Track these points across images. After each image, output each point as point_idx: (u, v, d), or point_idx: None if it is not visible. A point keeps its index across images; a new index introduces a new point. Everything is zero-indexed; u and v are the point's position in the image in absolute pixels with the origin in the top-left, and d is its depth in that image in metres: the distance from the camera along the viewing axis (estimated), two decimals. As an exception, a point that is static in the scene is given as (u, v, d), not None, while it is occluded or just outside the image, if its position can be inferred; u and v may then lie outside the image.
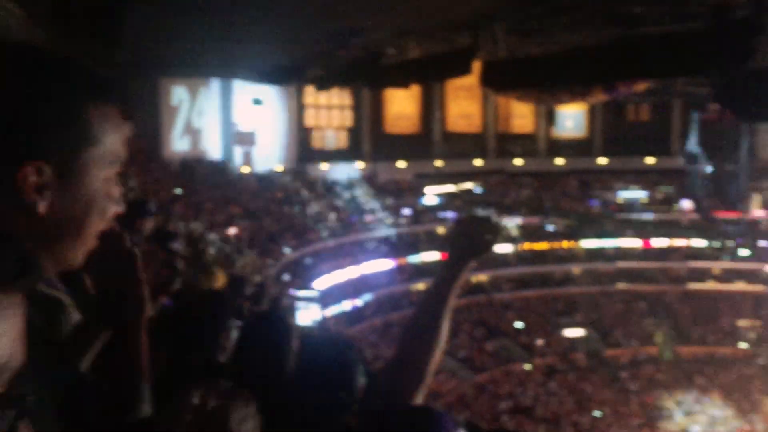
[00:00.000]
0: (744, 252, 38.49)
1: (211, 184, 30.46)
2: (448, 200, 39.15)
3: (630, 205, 41.98)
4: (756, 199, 40.30)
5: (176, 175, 29.43)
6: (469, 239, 2.25)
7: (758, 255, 38.32)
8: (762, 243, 38.62)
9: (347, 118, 39.41)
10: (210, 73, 29.47)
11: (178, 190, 27.59)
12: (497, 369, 32.67)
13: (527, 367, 33.36)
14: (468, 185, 40.84)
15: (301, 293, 19.27)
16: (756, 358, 34.40)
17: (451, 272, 2.23)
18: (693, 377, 33.50)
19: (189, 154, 31.37)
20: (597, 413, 30.24)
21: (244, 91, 31.24)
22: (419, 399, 2.09)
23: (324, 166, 37.51)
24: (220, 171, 32.08)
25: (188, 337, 2.87)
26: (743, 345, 35.33)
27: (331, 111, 38.87)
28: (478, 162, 41.94)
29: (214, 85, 31.69)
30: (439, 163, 40.96)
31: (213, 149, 32.55)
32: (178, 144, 31.12)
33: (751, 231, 39.37)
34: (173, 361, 2.68)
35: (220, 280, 4.50)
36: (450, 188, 40.36)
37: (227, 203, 29.91)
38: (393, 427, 1.82)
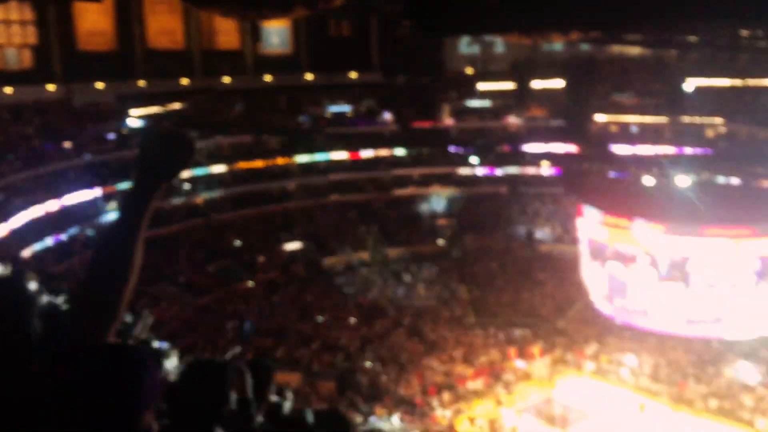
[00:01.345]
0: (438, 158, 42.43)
1: None
2: (155, 122, 37.26)
3: (337, 119, 43.63)
4: (446, 109, 44.37)
5: None
6: (159, 160, 2.09)
7: (450, 159, 42.55)
8: (452, 149, 42.86)
9: (30, 35, 35.15)
10: None
11: None
12: (220, 289, 32.72)
13: (250, 284, 33.86)
14: (175, 105, 39.18)
15: None
16: (451, 251, 38.68)
17: (141, 197, 2.07)
18: (401, 275, 36.71)
19: None
20: (319, 319, 31.92)
21: None
22: (112, 335, 1.96)
23: (7, 89, 33.31)
24: None
25: None
26: (440, 242, 39.45)
27: (9, 27, 34.37)
28: (184, 81, 40.30)
29: None
30: (142, 83, 38.60)
31: None
32: None
33: (442, 138, 43.39)
34: None
35: None
36: (156, 109, 38.40)
37: None
38: (84, 367, 1.69)
